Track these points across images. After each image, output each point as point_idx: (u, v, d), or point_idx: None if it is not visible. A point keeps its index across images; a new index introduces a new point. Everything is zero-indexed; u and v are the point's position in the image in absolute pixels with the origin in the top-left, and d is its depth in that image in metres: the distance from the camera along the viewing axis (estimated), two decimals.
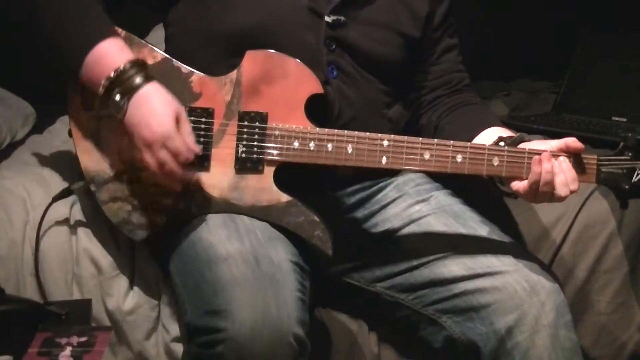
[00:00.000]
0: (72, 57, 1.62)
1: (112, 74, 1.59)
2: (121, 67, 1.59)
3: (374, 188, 1.86)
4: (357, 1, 1.77)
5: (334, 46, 1.75)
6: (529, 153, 1.64)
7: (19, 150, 2.12)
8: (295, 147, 1.67)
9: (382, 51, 1.79)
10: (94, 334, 1.69)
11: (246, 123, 1.68)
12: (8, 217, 1.80)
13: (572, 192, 1.63)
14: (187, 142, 1.60)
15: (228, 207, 1.69)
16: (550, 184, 1.61)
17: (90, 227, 1.82)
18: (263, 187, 1.68)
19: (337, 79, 1.75)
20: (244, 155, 1.68)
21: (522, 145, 1.68)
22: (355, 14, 1.76)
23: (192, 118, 1.67)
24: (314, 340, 1.59)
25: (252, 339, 1.49)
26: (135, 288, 1.82)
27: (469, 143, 1.67)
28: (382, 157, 1.66)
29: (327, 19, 1.73)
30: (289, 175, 1.68)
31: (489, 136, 1.75)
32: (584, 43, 2.66)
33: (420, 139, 1.66)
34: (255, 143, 1.68)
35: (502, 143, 1.69)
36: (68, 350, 1.64)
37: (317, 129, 1.67)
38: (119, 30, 1.68)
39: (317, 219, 1.68)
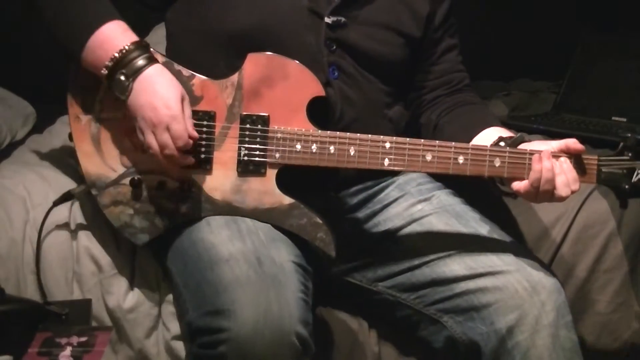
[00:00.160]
0: (75, 41, 1.63)
1: (116, 55, 1.60)
2: (125, 49, 1.60)
3: (376, 188, 1.86)
4: (358, 1, 1.77)
5: (334, 47, 1.75)
6: (531, 154, 1.64)
7: (19, 150, 2.12)
8: (298, 150, 1.67)
9: (382, 51, 1.79)
10: (94, 334, 1.69)
11: (248, 126, 1.68)
12: (8, 216, 1.80)
13: (573, 192, 1.63)
14: (187, 125, 1.61)
15: (230, 210, 1.69)
16: (551, 182, 1.61)
17: (90, 226, 1.81)
18: (265, 190, 1.68)
19: (338, 80, 1.75)
20: (246, 158, 1.68)
21: (522, 146, 1.68)
22: (355, 14, 1.76)
23: (194, 121, 1.66)
24: (315, 339, 1.59)
25: (254, 339, 1.49)
26: (136, 286, 1.82)
27: (470, 144, 1.67)
28: (384, 159, 1.66)
29: (327, 20, 1.73)
30: (292, 176, 1.68)
31: (488, 136, 1.75)
32: (584, 43, 2.66)
33: (422, 140, 1.66)
34: (257, 146, 1.68)
35: (502, 143, 1.69)
36: (68, 350, 1.64)
37: (319, 131, 1.67)
38: None
39: (320, 221, 1.68)
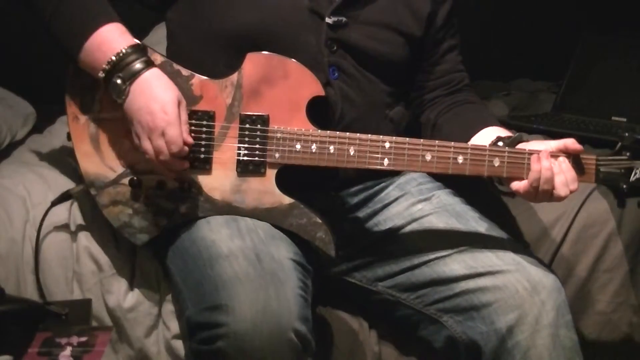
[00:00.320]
0: (72, 42, 1.62)
1: (113, 58, 1.59)
2: (122, 52, 1.60)
3: (376, 187, 1.86)
4: (359, 1, 1.76)
5: (335, 47, 1.75)
6: (530, 154, 1.64)
7: (19, 150, 2.12)
8: (297, 150, 1.67)
9: (383, 51, 1.79)
10: (94, 334, 1.69)
11: (247, 126, 1.67)
12: (8, 216, 1.80)
13: (571, 191, 1.64)
14: (182, 131, 1.61)
15: (230, 210, 1.69)
16: (550, 182, 1.62)
17: (90, 225, 1.81)
18: (265, 190, 1.68)
19: (338, 80, 1.75)
20: (245, 157, 1.68)
21: (521, 146, 1.68)
22: (356, 14, 1.76)
23: (193, 121, 1.67)
24: (315, 337, 1.59)
25: (253, 334, 1.49)
26: (136, 286, 1.82)
27: (470, 144, 1.68)
28: (384, 158, 1.66)
29: (328, 20, 1.73)
30: (292, 175, 1.68)
31: (486, 136, 1.75)
32: (584, 43, 2.67)
33: (422, 140, 1.66)
34: (256, 146, 1.67)
35: (500, 143, 1.69)
36: (68, 350, 1.63)
37: (319, 131, 1.67)
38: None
39: (320, 221, 1.68)
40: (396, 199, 1.85)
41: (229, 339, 1.49)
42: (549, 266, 1.87)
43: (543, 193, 1.63)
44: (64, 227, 1.81)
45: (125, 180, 1.70)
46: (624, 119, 2.49)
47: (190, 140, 1.63)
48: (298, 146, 1.67)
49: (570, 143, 1.66)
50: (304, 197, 1.69)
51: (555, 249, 2.04)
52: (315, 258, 1.72)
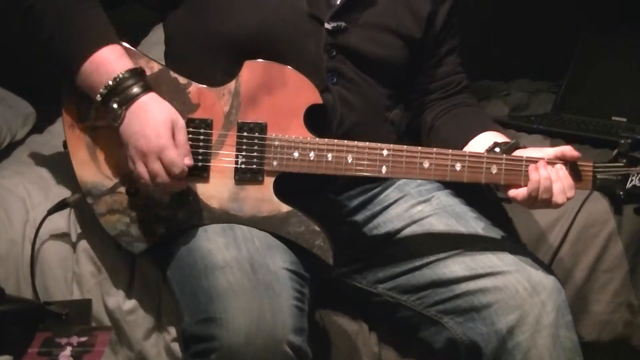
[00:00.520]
0: (69, 64, 1.61)
1: (110, 82, 1.58)
2: (120, 76, 1.59)
3: (376, 190, 1.85)
4: (358, 5, 1.75)
5: (334, 52, 1.74)
6: (527, 161, 1.64)
7: (19, 150, 2.12)
8: (295, 157, 1.66)
9: (383, 54, 1.78)
10: (94, 334, 1.69)
11: (245, 134, 1.67)
12: (8, 216, 1.80)
13: (568, 198, 1.64)
14: (181, 153, 1.59)
15: (228, 218, 1.68)
16: (549, 191, 1.62)
17: (89, 227, 1.81)
18: (263, 198, 1.67)
19: (337, 85, 1.74)
20: (243, 165, 1.67)
21: (518, 153, 1.68)
22: (356, 17, 1.75)
23: (191, 129, 1.65)
24: (314, 341, 1.59)
25: (246, 347, 1.48)
26: (136, 287, 1.82)
27: (467, 151, 1.67)
28: (382, 166, 1.65)
29: (327, 25, 1.72)
30: (291, 180, 1.67)
31: (484, 141, 1.75)
32: (584, 43, 2.67)
33: (420, 147, 1.66)
34: (254, 154, 1.67)
35: (497, 149, 1.69)
36: (68, 350, 1.64)
37: (317, 138, 1.66)
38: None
39: (318, 229, 1.67)
40: (396, 201, 1.84)
41: (222, 353, 1.48)
42: (549, 267, 1.88)
43: (541, 201, 1.63)
44: (64, 226, 1.81)
45: (122, 189, 1.69)
46: (624, 119, 2.49)
47: (190, 162, 1.61)
48: (296, 154, 1.66)
49: (568, 150, 1.66)
50: (302, 202, 1.69)
51: (555, 249, 2.04)
52: (314, 263, 1.70)
